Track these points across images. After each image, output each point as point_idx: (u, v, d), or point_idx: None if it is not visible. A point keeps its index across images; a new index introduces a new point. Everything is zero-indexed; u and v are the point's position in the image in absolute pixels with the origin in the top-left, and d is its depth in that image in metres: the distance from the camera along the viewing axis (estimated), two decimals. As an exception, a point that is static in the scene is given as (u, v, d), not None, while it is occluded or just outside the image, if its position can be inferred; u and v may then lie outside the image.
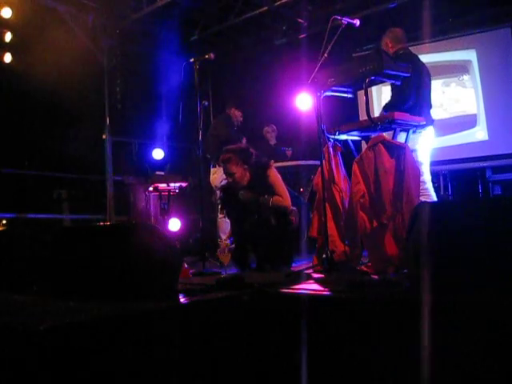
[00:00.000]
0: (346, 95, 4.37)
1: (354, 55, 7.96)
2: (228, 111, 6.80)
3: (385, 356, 2.40)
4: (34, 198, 7.58)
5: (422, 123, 4.21)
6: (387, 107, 4.44)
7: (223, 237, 6.50)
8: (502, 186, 7.58)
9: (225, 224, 6.52)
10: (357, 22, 4.26)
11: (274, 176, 4.63)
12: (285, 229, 4.45)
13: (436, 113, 7.81)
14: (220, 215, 6.51)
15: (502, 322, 2.10)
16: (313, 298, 2.84)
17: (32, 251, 3.32)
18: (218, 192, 6.25)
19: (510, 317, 2.09)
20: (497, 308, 2.14)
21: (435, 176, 7.69)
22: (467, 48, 7.65)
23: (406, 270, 3.27)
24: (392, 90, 4.49)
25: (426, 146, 4.57)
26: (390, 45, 4.67)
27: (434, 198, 4.57)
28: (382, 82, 4.34)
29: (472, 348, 2.15)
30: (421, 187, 4.04)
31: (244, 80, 8.94)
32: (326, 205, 4.07)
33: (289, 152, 7.58)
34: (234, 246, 4.74)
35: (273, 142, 7.76)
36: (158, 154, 8.69)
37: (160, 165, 8.40)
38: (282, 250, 4.47)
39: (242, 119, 6.78)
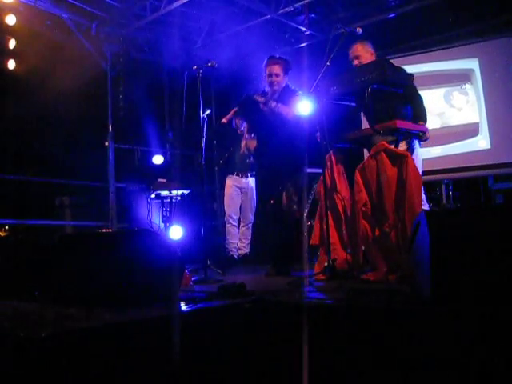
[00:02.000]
0: (348, 103, 4.39)
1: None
2: None
3: (386, 363, 2.39)
4: (37, 205, 7.58)
5: (424, 131, 4.20)
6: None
7: (229, 241, 6.55)
8: (504, 194, 7.57)
9: (232, 230, 6.57)
10: (359, 31, 4.28)
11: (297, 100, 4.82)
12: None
13: (438, 121, 7.86)
14: (227, 224, 6.57)
15: (503, 332, 2.10)
16: (314, 305, 2.84)
17: (34, 257, 3.32)
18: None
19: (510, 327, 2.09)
20: (498, 318, 2.14)
21: (437, 185, 7.70)
22: (469, 57, 7.66)
23: (407, 279, 3.26)
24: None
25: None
26: (372, 52, 4.70)
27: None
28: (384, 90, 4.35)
29: (472, 358, 2.15)
30: None
31: (246, 87, 8.94)
32: (328, 213, 4.07)
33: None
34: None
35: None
36: (157, 159, 8.69)
37: (162, 172, 8.40)
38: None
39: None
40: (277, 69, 4.96)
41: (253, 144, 5.24)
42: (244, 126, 6.73)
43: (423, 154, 7.31)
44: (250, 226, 6.72)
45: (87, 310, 2.56)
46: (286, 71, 4.98)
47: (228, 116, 6.73)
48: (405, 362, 2.33)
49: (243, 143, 6.16)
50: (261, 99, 4.94)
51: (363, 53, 4.61)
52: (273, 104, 4.87)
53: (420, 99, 4.41)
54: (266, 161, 4.94)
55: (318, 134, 4.22)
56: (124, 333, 2.28)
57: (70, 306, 2.67)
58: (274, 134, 4.84)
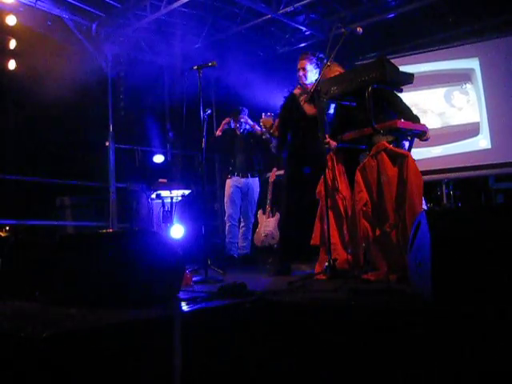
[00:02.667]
0: (349, 103, 4.38)
1: (356, 63, 7.98)
2: None
3: (386, 363, 2.39)
4: (37, 205, 7.58)
5: (425, 131, 4.18)
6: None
7: (229, 240, 6.55)
8: (504, 194, 7.57)
9: (232, 229, 6.57)
10: (360, 31, 4.27)
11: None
12: None
13: (439, 121, 7.86)
14: (228, 224, 6.57)
15: (504, 332, 2.10)
16: (315, 305, 2.84)
17: (35, 258, 3.32)
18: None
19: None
20: (499, 318, 2.14)
21: (438, 184, 7.70)
22: (470, 56, 7.66)
23: (408, 279, 3.26)
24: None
25: None
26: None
27: None
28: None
29: (472, 358, 2.15)
30: None
31: (247, 88, 8.96)
32: (329, 213, 4.06)
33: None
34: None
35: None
36: (158, 158, 8.73)
37: (163, 172, 8.41)
38: None
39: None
40: (303, 63, 5.05)
41: (268, 122, 5.31)
42: (243, 126, 6.72)
43: (424, 154, 7.36)
44: (250, 226, 6.73)
45: (88, 311, 2.56)
46: (315, 65, 5.03)
47: (220, 128, 6.74)
48: (405, 362, 2.33)
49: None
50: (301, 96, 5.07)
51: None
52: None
53: (401, 100, 4.36)
54: (303, 164, 4.94)
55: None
56: (125, 333, 2.28)
57: (70, 307, 2.67)
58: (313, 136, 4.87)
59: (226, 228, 6.70)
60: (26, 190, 7.52)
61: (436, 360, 2.24)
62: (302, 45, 8.87)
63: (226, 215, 6.70)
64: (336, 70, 4.61)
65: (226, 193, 6.72)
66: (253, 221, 6.75)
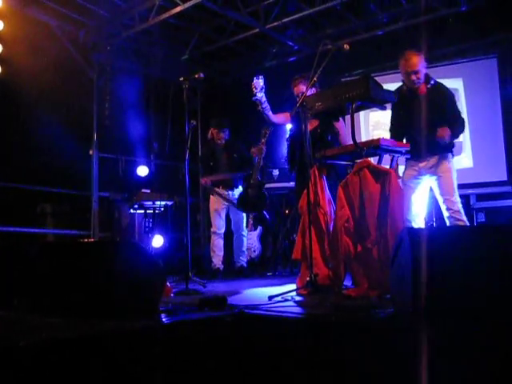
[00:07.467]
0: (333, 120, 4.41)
1: (342, 80, 8.05)
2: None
3: (367, 378, 2.40)
4: (18, 212, 7.50)
5: (406, 149, 4.23)
6: None
7: (215, 253, 6.45)
8: (485, 213, 7.64)
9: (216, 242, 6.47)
10: (346, 47, 4.29)
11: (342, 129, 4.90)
12: None
13: (422, 139, 7.94)
14: (213, 237, 6.44)
15: (483, 347, 2.12)
16: (295, 320, 2.84)
17: (14, 266, 3.28)
18: None
19: (493, 343, 2.11)
20: (479, 335, 2.15)
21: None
22: (454, 77, 7.76)
23: (389, 295, 3.28)
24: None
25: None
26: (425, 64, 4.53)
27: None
28: (368, 107, 4.39)
29: (451, 372, 2.16)
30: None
31: (233, 100, 8.98)
32: (312, 228, 4.07)
33: (276, 173, 7.62)
34: None
35: (260, 162, 7.78)
36: (142, 170, 8.70)
37: (146, 182, 8.39)
38: None
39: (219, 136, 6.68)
40: (300, 88, 4.98)
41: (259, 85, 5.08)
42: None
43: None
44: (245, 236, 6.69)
45: (66, 320, 2.54)
46: (312, 85, 4.35)
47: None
48: (386, 377, 2.34)
49: None
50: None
51: (421, 67, 4.42)
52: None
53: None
54: None
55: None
56: (103, 344, 2.26)
57: (49, 316, 2.64)
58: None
59: (216, 241, 6.49)
60: (6, 196, 7.44)
61: (416, 375, 2.24)
62: (290, 59, 8.91)
63: (215, 228, 6.50)
64: (424, 64, 4.45)
65: (214, 206, 6.51)
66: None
